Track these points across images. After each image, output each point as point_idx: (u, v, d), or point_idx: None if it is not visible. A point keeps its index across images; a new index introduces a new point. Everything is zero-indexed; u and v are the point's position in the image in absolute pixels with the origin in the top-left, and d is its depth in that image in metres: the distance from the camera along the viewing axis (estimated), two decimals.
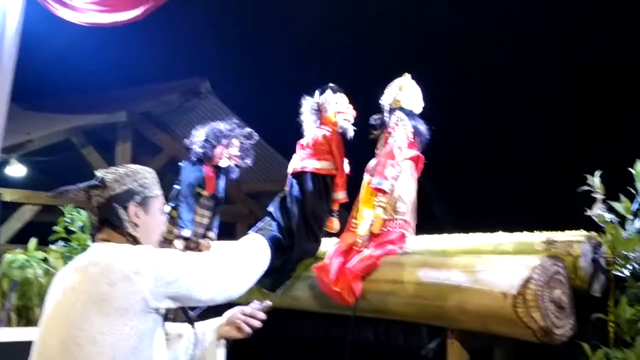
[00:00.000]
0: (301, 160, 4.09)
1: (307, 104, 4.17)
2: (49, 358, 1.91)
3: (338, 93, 4.13)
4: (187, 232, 4.75)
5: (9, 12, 5.25)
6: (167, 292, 1.98)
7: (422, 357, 3.24)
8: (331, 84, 4.16)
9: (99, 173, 2.12)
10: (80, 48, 10.00)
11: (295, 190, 4.04)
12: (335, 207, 4.14)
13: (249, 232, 3.14)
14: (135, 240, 2.11)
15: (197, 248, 4.89)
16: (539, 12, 8.74)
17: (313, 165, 4.03)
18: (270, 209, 4.07)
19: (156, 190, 2.21)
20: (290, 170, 4.16)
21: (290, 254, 3.93)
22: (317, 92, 4.17)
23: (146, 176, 2.19)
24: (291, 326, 4.08)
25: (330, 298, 3.53)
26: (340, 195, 4.09)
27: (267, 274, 2.57)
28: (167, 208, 4.73)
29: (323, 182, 4.05)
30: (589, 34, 8.12)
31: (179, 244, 4.69)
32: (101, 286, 1.89)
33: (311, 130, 4.14)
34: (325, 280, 3.54)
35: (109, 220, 2.09)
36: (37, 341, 1.99)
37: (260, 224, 3.55)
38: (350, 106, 4.11)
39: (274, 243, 3.58)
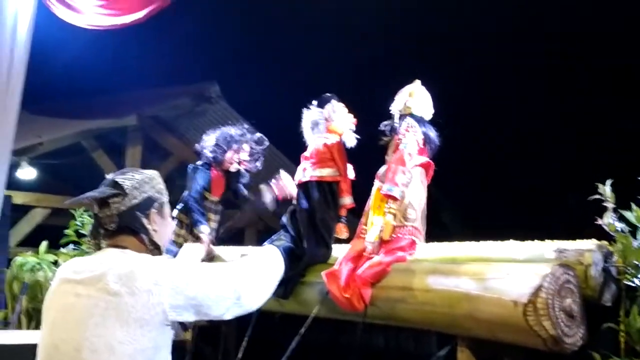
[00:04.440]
0: (305, 171, 4.12)
1: (309, 116, 4.19)
2: None
3: (340, 103, 4.15)
4: (206, 229, 4.72)
5: (20, 17, 5.30)
6: (186, 304, 1.96)
7: None
8: (328, 94, 4.18)
9: (117, 179, 2.09)
10: (91, 52, 10.07)
11: (303, 200, 4.07)
12: (343, 213, 4.15)
13: (264, 243, 3.17)
14: (156, 247, 2.10)
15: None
16: (540, 12, 8.71)
17: (317, 173, 4.06)
18: (283, 221, 4.11)
19: (167, 195, 2.23)
20: (295, 182, 4.18)
21: (303, 262, 3.95)
22: (314, 103, 4.18)
23: (160, 181, 2.19)
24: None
25: (340, 304, 3.53)
26: (347, 200, 4.11)
27: (281, 283, 2.58)
28: (175, 212, 4.74)
29: (329, 189, 4.07)
30: (599, 39, 8.09)
31: (204, 237, 4.64)
32: (122, 295, 1.87)
33: (313, 141, 4.15)
34: (334, 286, 3.53)
35: (129, 228, 2.07)
36: (45, 346, 1.94)
37: (274, 237, 3.56)
38: (351, 115, 4.14)
39: (288, 253, 3.60)
